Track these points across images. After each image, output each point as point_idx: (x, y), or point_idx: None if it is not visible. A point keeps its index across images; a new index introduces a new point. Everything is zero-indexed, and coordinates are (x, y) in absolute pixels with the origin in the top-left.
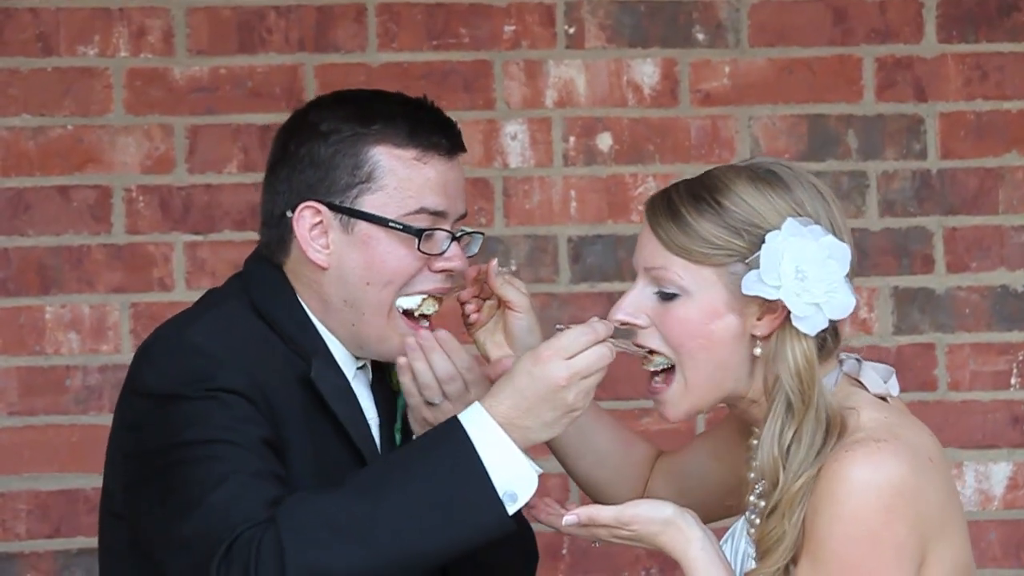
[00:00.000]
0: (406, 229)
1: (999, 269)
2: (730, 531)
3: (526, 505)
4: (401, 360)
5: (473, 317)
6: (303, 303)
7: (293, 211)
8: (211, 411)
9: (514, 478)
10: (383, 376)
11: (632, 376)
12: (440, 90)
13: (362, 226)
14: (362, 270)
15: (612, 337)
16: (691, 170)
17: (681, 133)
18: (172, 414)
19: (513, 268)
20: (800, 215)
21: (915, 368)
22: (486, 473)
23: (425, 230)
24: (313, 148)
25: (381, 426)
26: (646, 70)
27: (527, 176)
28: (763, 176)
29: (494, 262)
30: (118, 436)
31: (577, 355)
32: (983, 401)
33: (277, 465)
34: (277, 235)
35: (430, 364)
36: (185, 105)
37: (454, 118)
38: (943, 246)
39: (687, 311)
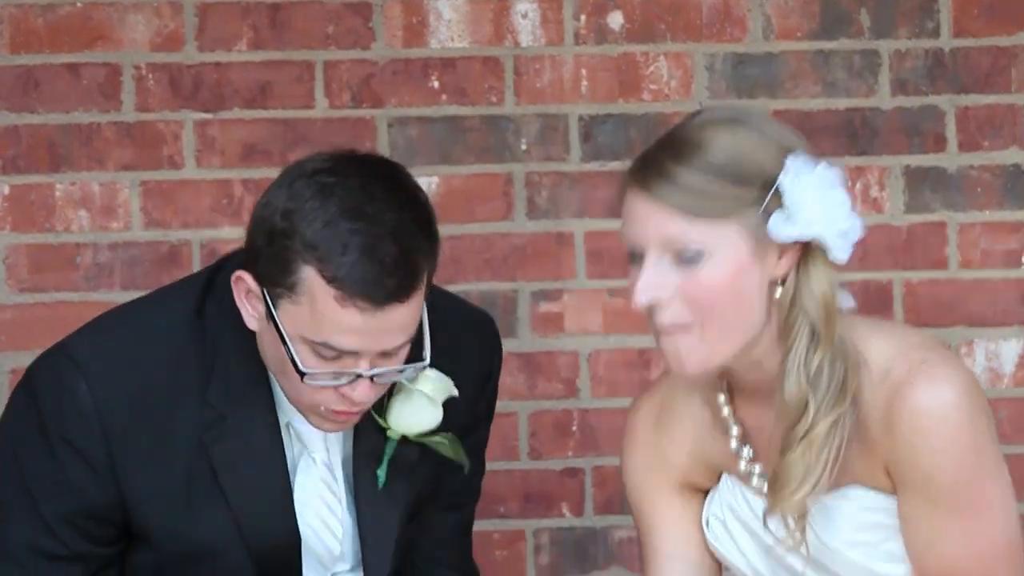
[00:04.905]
0: (295, 362)
1: (1011, 148)
2: (716, 489)
3: None
4: None
5: None
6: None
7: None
8: (43, 464)
9: None
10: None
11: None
12: None
13: (273, 327)
14: (274, 363)
15: None
16: (702, 49)
17: (693, 12)
18: (15, 426)
19: (524, 148)
20: (790, 151)
21: (926, 246)
22: None
23: (307, 374)
24: (271, 219)
25: (357, 461)
26: None
27: (538, 55)
28: (740, 120)
29: None
30: None
31: None
32: (994, 280)
33: (81, 541)
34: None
35: None
36: None
37: None
38: (955, 125)
39: (712, 272)
